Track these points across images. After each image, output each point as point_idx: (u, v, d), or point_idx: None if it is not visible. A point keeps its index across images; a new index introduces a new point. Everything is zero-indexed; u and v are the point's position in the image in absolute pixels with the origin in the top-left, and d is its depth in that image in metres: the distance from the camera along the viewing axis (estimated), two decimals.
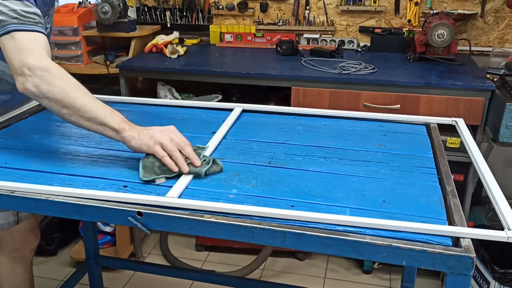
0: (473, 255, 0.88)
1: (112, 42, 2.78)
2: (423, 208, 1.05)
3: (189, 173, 1.18)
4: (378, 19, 2.68)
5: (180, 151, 1.18)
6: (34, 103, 1.69)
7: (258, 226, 0.97)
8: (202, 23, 2.85)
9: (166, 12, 2.86)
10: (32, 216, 1.71)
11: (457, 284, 0.90)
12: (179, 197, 1.08)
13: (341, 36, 2.74)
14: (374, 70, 2.22)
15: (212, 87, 2.60)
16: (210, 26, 2.83)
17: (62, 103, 1.16)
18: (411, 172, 1.22)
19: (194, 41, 2.84)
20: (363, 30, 2.70)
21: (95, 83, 2.45)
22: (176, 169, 1.17)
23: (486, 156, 1.93)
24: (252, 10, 2.80)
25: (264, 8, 2.77)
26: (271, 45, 2.72)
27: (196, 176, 1.18)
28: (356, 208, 1.05)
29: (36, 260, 2.09)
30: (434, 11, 2.44)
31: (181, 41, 2.79)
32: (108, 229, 2.55)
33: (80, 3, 2.73)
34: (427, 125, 1.55)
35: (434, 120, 1.57)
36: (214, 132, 1.45)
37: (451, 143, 2.11)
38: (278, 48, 2.59)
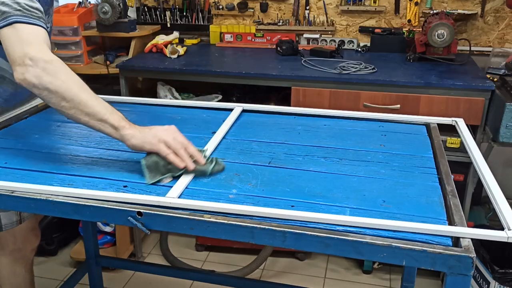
0: (473, 255, 0.88)
1: (112, 42, 2.78)
2: (423, 208, 1.05)
3: (194, 171, 1.17)
4: (378, 19, 2.68)
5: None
6: (34, 103, 1.69)
7: (258, 226, 0.98)
8: (202, 23, 2.85)
9: (166, 12, 2.86)
10: (33, 215, 1.70)
11: (457, 284, 0.90)
12: (179, 197, 1.08)
13: (341, 36, 2.74)
14: (374, 70, 2.22)
15: (212, 87, 2.60)
16: (210, 26, 2.83)
17: (62, 96, 1.14)
18: (411, 172, 1.22)
19: (194, 41, 2.84)
20: (363, 30, 2.70)
21: (95, 83, 2.41)
22: (182, 165, 1.15)
23: (486, 156, 1.93)
24: (252, 10, 2.79)
25: (264, 8, 2.77)
26: (271, 45, 2.72)
27: (201, 174, 1.18)
28: (356, 208, 1.05)
29: (36, 260, 2.09)
30: (434, 11, 2.44)
31: (181, 41, 2.79)
32: (108, 229, 2.55)
33: (80, 3, 2.72)
34: (427, 125, 1.55)
35: (434, 120, 1.57)
36: (214, 132, 1.45)
37: (451, 143, 2.11)
38: (278, 48, 2.59)
